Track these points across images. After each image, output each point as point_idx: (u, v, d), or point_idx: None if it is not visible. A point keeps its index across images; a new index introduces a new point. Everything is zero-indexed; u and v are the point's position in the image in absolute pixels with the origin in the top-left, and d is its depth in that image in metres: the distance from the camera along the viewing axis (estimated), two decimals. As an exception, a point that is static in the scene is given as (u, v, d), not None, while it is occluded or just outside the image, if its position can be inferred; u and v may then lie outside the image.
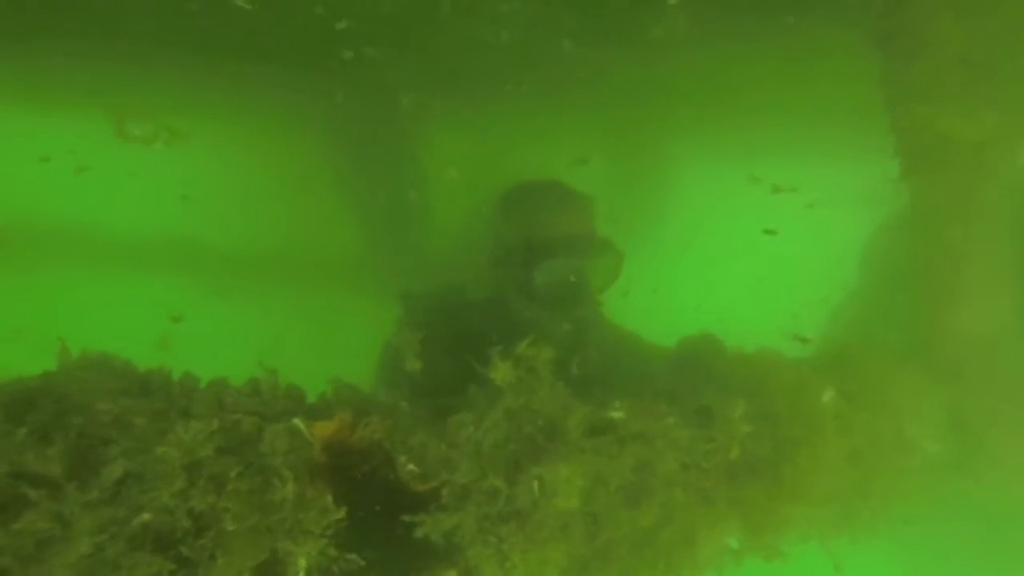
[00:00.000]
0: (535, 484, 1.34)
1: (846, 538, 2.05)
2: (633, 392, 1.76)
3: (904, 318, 3.23)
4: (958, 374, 2.67)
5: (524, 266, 2.26)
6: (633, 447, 1.49)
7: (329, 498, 1.11)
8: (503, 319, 2.47)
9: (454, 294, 2.66)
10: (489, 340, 2.50)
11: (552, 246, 2.30)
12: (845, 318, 3.90)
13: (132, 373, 1.23)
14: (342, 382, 1.43)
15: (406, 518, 1.23)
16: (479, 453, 1.34)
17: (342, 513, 1.13)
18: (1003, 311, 2.84)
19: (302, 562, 1.08)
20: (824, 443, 1.88)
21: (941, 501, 2.36)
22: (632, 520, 1.46)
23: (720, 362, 2.01)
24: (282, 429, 1.14)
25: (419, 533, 1.23)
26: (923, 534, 2.44)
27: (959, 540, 2.80)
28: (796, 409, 1.89)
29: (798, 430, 1.83)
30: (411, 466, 1.25)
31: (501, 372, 1.37)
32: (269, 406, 1.20)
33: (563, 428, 1.41)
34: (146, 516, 1.02)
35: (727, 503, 1.63)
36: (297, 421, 1.17)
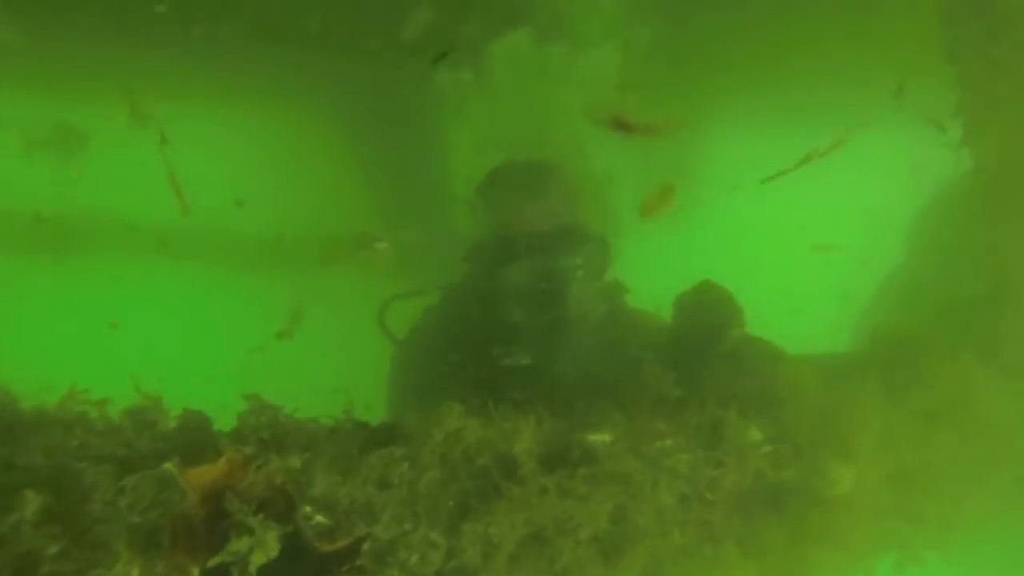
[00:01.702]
0: (487, 534, 1.05)
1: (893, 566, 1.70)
2: (628, 403, 1.45)
3: (960, 302, 2.78)
4: (1032, 368, 2.23)
5: (496, 264, 1.99)
6: (612, 484, 1.18)
7: (195, 573, 0.85)
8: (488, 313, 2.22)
9: (474, 285, 2.42)
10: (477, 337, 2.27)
11: (522, 243, 2.02)
12: (890, 298, 3.45)
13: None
14: (259, 401, 1.17)
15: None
16: (413, 496, 1.06)
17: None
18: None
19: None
20: (864, 463, 1.53)
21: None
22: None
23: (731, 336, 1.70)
24: (147, 478, 0.88)
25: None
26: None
27: None
28: (828, 420, 1.54)
29: (830, 448, 1.48)
30: (319, 518, 0.98)
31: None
32: (136, 445, 0.94)
33: (520, 460, 1.11)
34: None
35: (738, 544, 1.30)
36: (169, 466, 0.91)
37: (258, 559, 0.94)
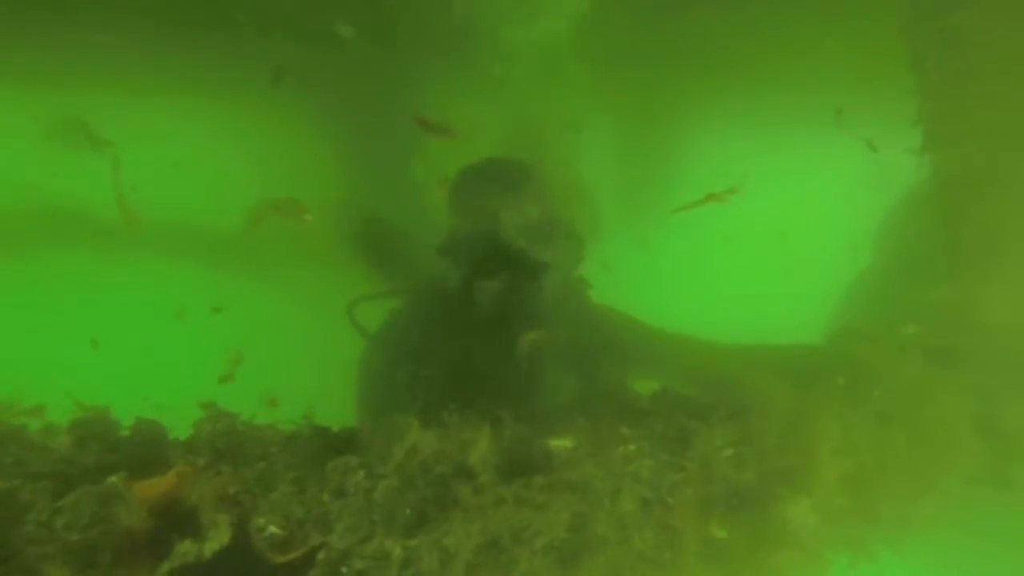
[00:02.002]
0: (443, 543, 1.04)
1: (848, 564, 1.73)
2: (594, 409, 1.45)
3: (924, 304, 2.83)
4: (989, 369, 2.28)
5: (470, 260, 1.98)
6: (571, 492, 1.18)
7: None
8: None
9: (438, 283, 2.40)
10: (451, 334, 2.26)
11: (497, 239, 2.02)
12: (858, 303, 3.50)
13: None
14: (215, 408, 1.14)
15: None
16: (370, 505, 1.04)
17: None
18: (1042, 295, 2.43)
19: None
20: (822, 465, 1.55)
21: (968, 519, 2.01)
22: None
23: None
24: (89, 494, 0.86)
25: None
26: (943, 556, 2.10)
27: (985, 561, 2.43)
28: (789, 425, 1.55)
29: (791, 452, 1.50)
30: (272, 528, 0.96)
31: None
32: (78, 461, 0.92)
33: (476, 470, 1.10)
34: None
35: (697, 548, 1.31)
36: (115, 480, 0.89)
37: (211, 547, 0.92)
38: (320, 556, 0.99)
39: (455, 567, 1.04)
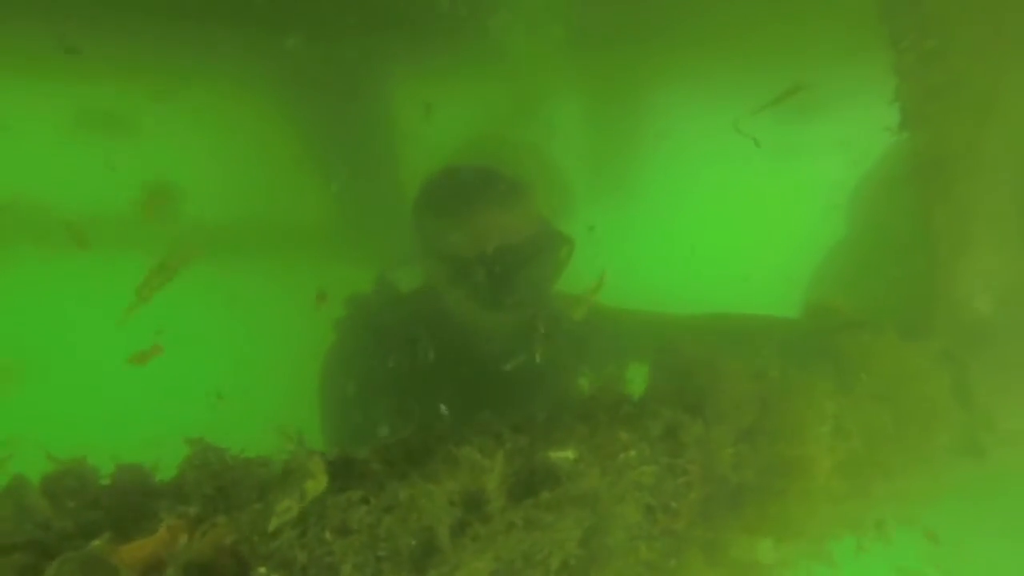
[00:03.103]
0: None
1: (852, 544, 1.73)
2: (587, 411, 1.40)
3: (898, 279, 2.84)
4: (963, 342, 2.30)
5: (485, 278, 1.92)
6: (579, 506, 1.13)
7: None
8: (436, 312, 2.14)
9: (384, 289, 2.31)
10: (421, 336, 2.19)
11: (506, 260, 1.95)
12: (830, 276, 3.52)
13: None
14: (202, 444, 1.06)
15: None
16: (374, 541, 0.98)
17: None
18: (1011, 271, 2.45)
19: None
20: (818, 453, 1.53)
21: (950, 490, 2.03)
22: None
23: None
24: (70, 561, 0.77)
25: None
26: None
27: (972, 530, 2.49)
28: (786, 414, 1.53)
29: (789, 443, 1.48)
30: (274, 578, 0.89)
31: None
32: (54, 525, 0.83)
33: (489, 496, 1.04)
34: None
35: (701, 551, 1.28)
36: (99, 544, 0.80)
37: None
38: (326, 601, 0.93)
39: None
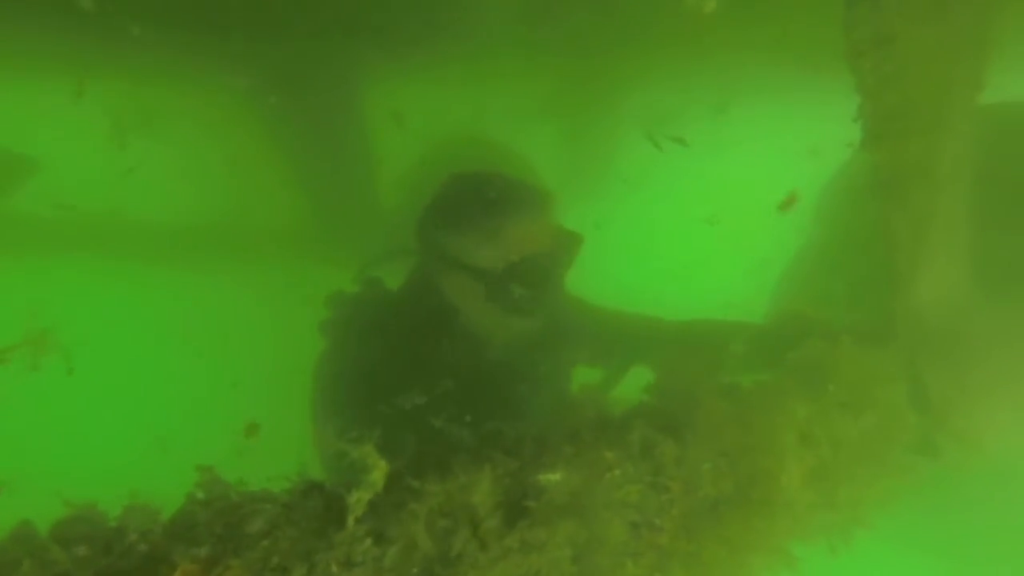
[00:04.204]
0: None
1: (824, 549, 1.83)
2: (572, 427, 1.46)
3: (863, 284, 2.98)
4: (919, 346, 2.43)
5: (520, 290, 1.97)
6: (569, 526, 1.19)
7: None
8: (430, 307, 2.14)
9: (371, 287, 2.32)
10: (418, 332, 2.21)
11: (537, 270, 1.98)
12: (797, 280, 3.64)
13: None
14: (210, 474, 1.09)
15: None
16: (379, 572, 1.02)
17: None
18: (963, 278, 2.60)
19: None
20: (788, 463, 1.62)
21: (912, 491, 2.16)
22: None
23: None
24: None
25: None
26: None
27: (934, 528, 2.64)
28: (760, 427, 1.61)
29: (763, 455, 1.56)
30: (286, 614, 0.93)
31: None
32: (75, 576, 0.85)
33: (481, 516, 1.09)
34: None
35: (682, 565, 1.36)
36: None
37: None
38: (336, 633, 0.97)
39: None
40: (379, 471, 0.97)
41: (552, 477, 1.30)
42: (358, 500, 0.94)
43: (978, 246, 2.60)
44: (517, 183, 2.11)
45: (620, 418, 1.54)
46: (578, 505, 1.23)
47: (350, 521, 0.94)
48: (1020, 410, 2.38)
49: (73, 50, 3.26)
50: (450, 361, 2.11)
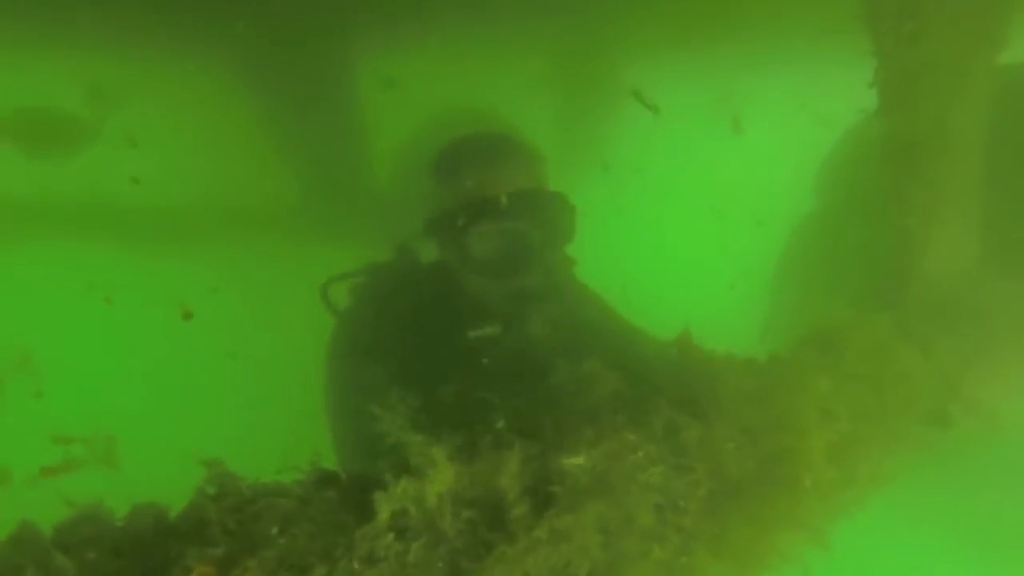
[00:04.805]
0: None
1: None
2: (592, 410, 1.41)
3: (868, 253, 2.93)
4: (931, 315, 2.40)
5: (461, 231, 1.93)
6: (597, 512, 1.14)
7: None
8: (450, 287, 2.13)
9: (405, 257, 2.31)
10: (437, 313, 2.18)
11: (490, 205, 1.93)
12: (801, 249, 3.59)
13: None
14: (219, 468, 1.03)
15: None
16: (403, 568, 0.98)
17: None
18: (974, 247, 2.56)
19: None
20: (811, 439, 1.58)
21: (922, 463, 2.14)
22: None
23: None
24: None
25: None
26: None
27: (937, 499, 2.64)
28: (781, 403, 1.57)
29: (784, 431, 1.52)
30: (308, 616, 0.89)
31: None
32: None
33: (510, 508, 1.05)
34: None
35: (707, 546, 1.32)
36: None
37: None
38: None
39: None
40: (445, 468, 0.90)
41: (576, 461, 1.25)
42: (403, 491, 0.87)
43: (990, 213, 2.56)
44: (498, 136, 2.16)
45: (639, 396, 1.49)
46: (605, 489, 1.19)
47: (384, 516, 0.88)
48: (1033, 379, 2.36)
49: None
50: (454, 334, 2.07)
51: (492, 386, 1.94)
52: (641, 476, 1.28)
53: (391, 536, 0.98)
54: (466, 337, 2.04)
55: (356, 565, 0.96)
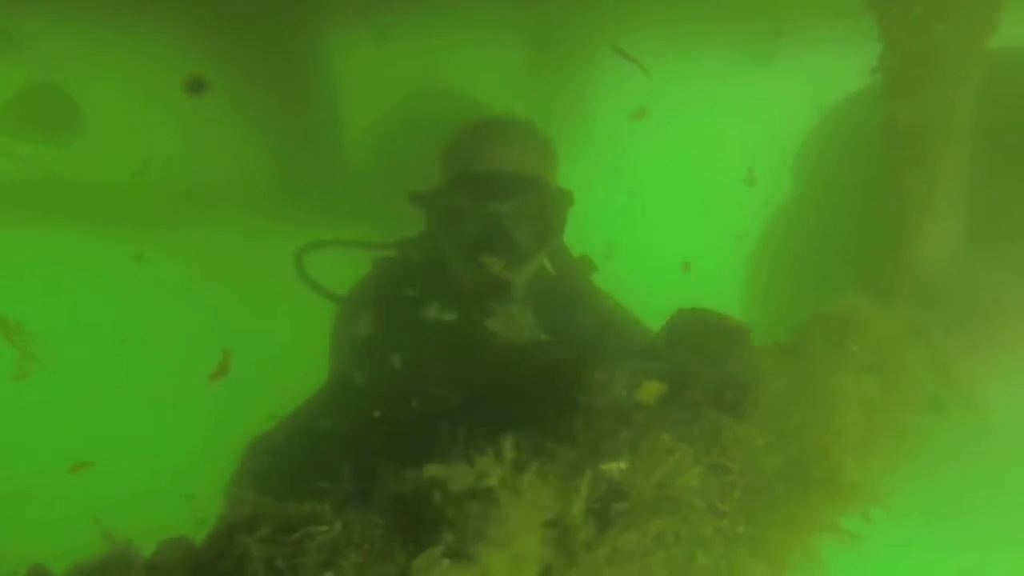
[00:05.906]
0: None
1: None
2: (622, 410, 1.36)
3: (849, 238, 2.94)
4: (924, 301, 2.43)
5: (441, 199, 1.93)
6: (649, 520, 1.10)
7: None
8: (445, 276, 2.04)
9: (404, 247, 2.20)
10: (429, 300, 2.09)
11: (476, 179, 1.90)
12: (778, 235, 3.60)
13: None
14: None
15: None
16: (459, 600, 0.91)
17: None
18: (964, 231, 2.59)
19: None
20: (841, 435, 1.57)
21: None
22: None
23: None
24: None
25: None
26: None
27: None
28: (807, 398, 1.55)
29: (814, 428, 1.51)
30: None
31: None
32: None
33: (576, 530, 0.99)
34: None
35: (745, 546, 1.30)
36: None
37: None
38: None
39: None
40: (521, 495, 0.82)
41: (618, 466, 1.20)
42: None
43: (979, 198, 2.59)
44: (513, 119, 2.09)
45: (667, 396, 1.44)
46: (649, 498, 1.14)
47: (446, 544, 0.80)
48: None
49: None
50: (415, 310, 2.00)
51: (435, 372, 1.88)
52: (681, 479, 1.24)
53: (446, 563, 0.91)
54: (425, 316, 1.97)
55: (410, 594, 0.89)
